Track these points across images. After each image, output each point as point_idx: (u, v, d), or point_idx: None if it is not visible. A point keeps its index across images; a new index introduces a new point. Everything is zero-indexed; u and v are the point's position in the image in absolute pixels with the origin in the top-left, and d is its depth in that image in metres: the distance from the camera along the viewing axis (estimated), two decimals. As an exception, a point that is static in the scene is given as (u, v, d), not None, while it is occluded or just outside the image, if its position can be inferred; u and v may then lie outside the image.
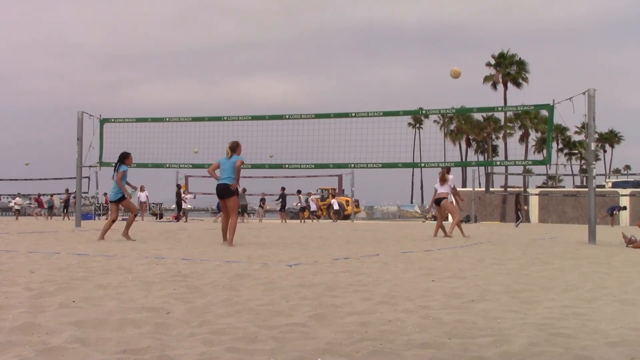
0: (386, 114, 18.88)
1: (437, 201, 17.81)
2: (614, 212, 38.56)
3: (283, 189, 40.17)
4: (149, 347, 3.47)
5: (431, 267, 8.31)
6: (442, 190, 17.72)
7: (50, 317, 4.23)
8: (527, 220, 45.28)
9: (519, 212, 36.12)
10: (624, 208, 42.26)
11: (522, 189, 58.09)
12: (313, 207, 44.82)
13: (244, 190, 39.45)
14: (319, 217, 45.29)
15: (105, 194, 44.60)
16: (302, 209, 43.97)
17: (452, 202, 18.45)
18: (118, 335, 3.76)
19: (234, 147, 12.62)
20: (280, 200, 40.20)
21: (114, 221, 14.11)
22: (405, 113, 21.75)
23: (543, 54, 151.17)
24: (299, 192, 44.69)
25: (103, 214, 43.57)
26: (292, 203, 48.90)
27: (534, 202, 51.48)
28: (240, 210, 39.87)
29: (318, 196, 48.73)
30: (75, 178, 22.27)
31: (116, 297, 5.18)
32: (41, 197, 44.75)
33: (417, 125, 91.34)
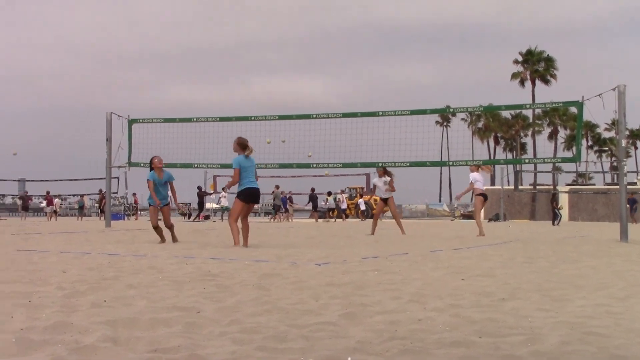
0: (413, 112, 18.82)
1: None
2: (634, 206, 37.94)
3: (313, 189, 40.27)
4: (179, 346, 3.48)
5: (460, 265, 8.27)
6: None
7: (82, 317, 4.27)
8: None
9: (556, 211, 35.85)
10: None
11: (552, 187, 57.61)
12: (344, 205, 44.88)
13: (277, 187, 39.54)
14: (347, 216, 45.27)
15: (134, 194, 44.99)
16: (330, 209, 44.01)
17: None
18: (149, 335, 3.79)
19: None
20: (311, 201, 40.31)
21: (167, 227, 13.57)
22: (433, 111, 21.66)
23: (571, 50, 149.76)
24: (329, 193, 44.79)
25: (132, 214, 43.89)
26: (320, 202, 48.94)
27: (563, 200, 50.94)
28: (274, 210, 40.08)
29: (347, 195, 48.70)
30: (104, 178, 22.46)
31: (147, 296, 5.21)
32: (51, 196, 44.75)
33: (445, 124, 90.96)
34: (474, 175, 17.78)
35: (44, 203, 46.89)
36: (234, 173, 11.71)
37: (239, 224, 11.87)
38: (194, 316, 4.38)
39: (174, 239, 13.29)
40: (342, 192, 49.38)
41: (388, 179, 18.60)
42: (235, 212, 11.94)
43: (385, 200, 18.78)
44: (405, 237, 16.32)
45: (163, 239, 13.21)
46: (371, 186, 19.13)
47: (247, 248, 11.24)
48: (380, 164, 18.69)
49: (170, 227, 13.43)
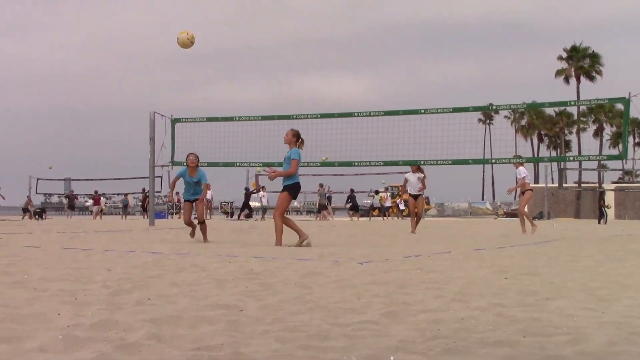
0: (456, 110, 18.74)
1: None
2: None
3: (352, 190, 40.31)
4: (223, 344, 3.51)
5: (504, 264, 8.20)
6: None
7: (126, 314, 4.32)
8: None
9: (602, 209, 35.42)
10: None
11: (598, 185, 56.81)
12: (388, 203, 44.78)
13: (322, 186, 39.60)
14: (388, 215, 45.13)
15: (177, 193, 45.39)
16: (372, 207, 43.99)
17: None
18: (192, 332, 3.82)
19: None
20: (350, 201, 40.33)
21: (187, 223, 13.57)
22: (475, 109, 21.53)
23: (618, 46, 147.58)
24: (376, 192, 44.78)
25: (175, 213, 44.28)
26: (362, 201, 48.87)
27: (609, 198, 50.21)
28: (318, 209, 40.17)
29: (389, 193, 48.56)
30: (148, 177, 22.70)
31: (190, 294, 5.25)
32: (99, 195, 45.30)
33: (487, 121, 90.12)
34: (523, 170, 17.66)
35: (90, 202, 47.57)
36: (293, 164, 11.35)
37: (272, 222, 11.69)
38: (237, 314, 4.40)
39: (205, 238, 12.93)
40: (386, 190, 49.28)
41: (421, 175, 18.44)
42: (283, 207, 11.60)
43: (415, 197, 18.54)
44: (448, 236, 16.21)
45: (194, 233, 13.40)
46: (403, 180, 18.90)
47: (290, 247, 11.07)
48: (421, 162, 18.62)
49: (202, 222, 13.06)
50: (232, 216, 44.95)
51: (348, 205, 41.65)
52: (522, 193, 17.99)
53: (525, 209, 18.44)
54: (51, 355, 3.26)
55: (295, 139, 11.53)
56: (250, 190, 39.66)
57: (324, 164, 20.18)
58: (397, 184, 53.80)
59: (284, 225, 11.56)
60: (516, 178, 18.22)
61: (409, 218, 20.19)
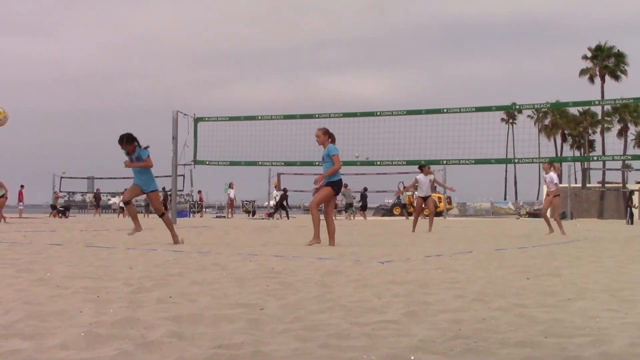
0: (478, 109, 18.67)
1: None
2: None
3: (365, 189, 40.17)
4: (243, 343, 3.52)
5: (526, 264, 8.15)
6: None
7: (148, 312, 4.34)
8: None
9: (630, 209, 35.18)
10: None
11: (622, 185, 56.36)
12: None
13: (346, 186, 39.53)
14: (410, 214, 44.96)
15: (199, 192, 45.62)
16: (394, 205, 43.85)
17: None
18: (213, 331, 3.83)
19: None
20: (361, 200, 40.19)
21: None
22: (498, 108, 21.44)
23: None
24: (404, 188, 44.55)
25: (197, 212, 44.49)
26: (384, 200, 48.69)
27: (635, 199, 49.76)
28: (346, 208, 40.16)
29: (410, 193, 48.39)
30: (170, 176, 22.80)
31: (211, 293, 5.27)
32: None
33: (510, 121, 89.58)
34: (552, 177, 17.61)
35: (112, 200, 47.89)
36: (336, 159, 11.33)
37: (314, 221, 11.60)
38: (257, 313, 4.41)
39: (173, 236, 11.57)
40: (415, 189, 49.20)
41: (432, 177, 18.38)
42: (321, 201, 11.51)
43: (425, 199, 18.41)
44: (470, 236, 16.14)
45: (138, 228, 11.95)
46: (413, 180, 18.80)
47: (332, 247, 11.00)
48: (444, 162, 18.55)
49: (161, 214, 11.84)
50: (254, 215, 45.05)
51: (359, 205, 41.61)
52: (548, 195, 17.95)
53: (548, 213, 18.35)
54: (73, 352, 3.29)
55: (327, 136, 11.56)
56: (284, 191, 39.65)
57: (345, 163, 20.16)
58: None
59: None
60: (545, 181, 18.11)
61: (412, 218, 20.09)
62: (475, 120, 18.82)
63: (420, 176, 18.30)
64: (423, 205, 18.68)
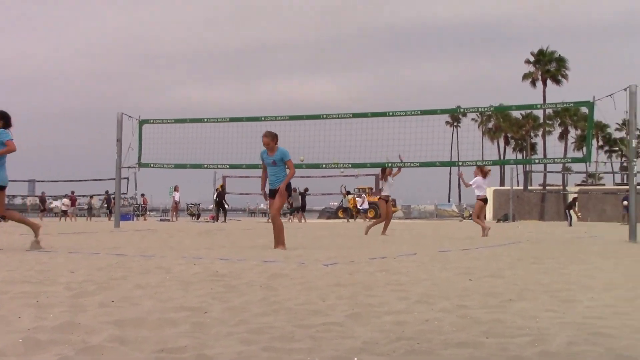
0: (424, 112, 18.80)
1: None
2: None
3: (306, 189, 39.90)
4: (186, 346, 3.49)
5: (469, 266, 8.26)
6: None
7: (89, 317, 4.28)
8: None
9: (567, 212, 36.02)
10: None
11: (562, 187, 57.48)
12: (365, 205, 44.62)
13: (295, 190, 39.25)
14: (354, 218, 45.05)
15: (142, 195, 45.10)
16: (339, 208, 43.87)
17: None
18: (156, 335, 3.80)
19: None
20: (301, 200, 39.83)
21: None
22: (443, 112, 21.69)
23: (583, 50, 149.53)
24: (348, 192, 44.60)
25: (141, 215, 44.01)
26: (329, 202, 48.78)
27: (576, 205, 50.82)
28: (291, 211, 39.90)
29: (352, 196, 48.48)
30: (114, 179, 22.51)
31: (154, 296, 5.23)
32: (75, 196, 44.91)
33: (455, 124, 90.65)
34: (478, 181, 17.89)
35: (54, 203, 47.09)
36: (291, 165, 11.30)
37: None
38: (202, 316, 4.39)
39: (35, 235, 10.52)
40: (364, 191, 49.34)
41: (391, 179, 18.57)
42: (281, 207, 11.49)
43: (387, 200, 18.62)
44: (414, 238, 16.29)
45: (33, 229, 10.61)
46: (380, 187, 18.93)
47: (278, 249, 10.90)
48: (389, 164, 18.67)
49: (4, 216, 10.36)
50: (198, 218, 44.75)
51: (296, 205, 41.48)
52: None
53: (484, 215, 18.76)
54: (11, 358, 3.23)
55: (276, 141, 11.42)
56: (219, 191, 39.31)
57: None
58: (364, 186, 54.02)
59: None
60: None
61: (374, 220, 20.16)
62: (421, 124, 18.96)
63: (390, 178, 18.46)
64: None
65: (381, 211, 18.79)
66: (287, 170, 11.31)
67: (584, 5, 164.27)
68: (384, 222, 18.64)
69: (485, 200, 18.24)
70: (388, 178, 18.41)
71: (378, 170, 19.01)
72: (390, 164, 18.55)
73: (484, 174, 18.05)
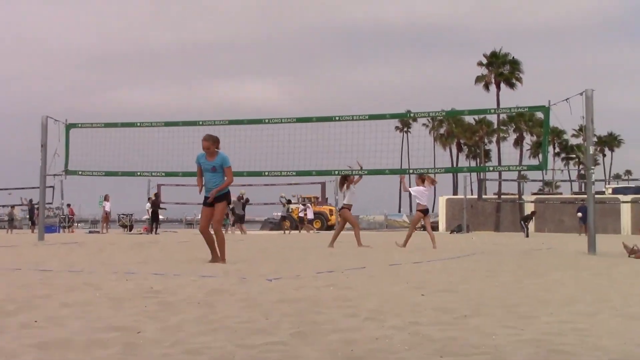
0: (372, 117, 18.92)
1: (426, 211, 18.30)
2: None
3: (244, 199, 39.32)
4: (117, 370, 3.43)
5: (421, 280, 8.31)
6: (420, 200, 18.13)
7: (10, 339, 4.18)
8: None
9: (522, 223, 36.71)
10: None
11: (518, 197, 58.33)
12: (310, 214, 44.48)
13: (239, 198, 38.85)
14: (297, 229, 44.92)
15: (69, 205, 44.37)
16: (284, 218, 43.71)
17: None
18: (84, 358, 3.73)
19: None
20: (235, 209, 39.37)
21: None
22: (393, 116, 21.86)
23: (538, 54, 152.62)
24: (289, 201, 44.43)
25: (68, 227, 43.32)
26: (273, 212, 48.62)
27: (529, 210, 51.66)
28: (235, 219, 39.59)
29: (295, 206, 48.35)
30: (38, 187, 22.10)
31: (82, 316, 5.13)
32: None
33: (405, 129, 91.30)
34: (419, 190, 18.01)
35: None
36: (229, 173, 11.25)
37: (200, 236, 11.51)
38: (134, 336, 4.32)
39: None
40: (311, 201, 49.34)
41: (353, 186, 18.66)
42: (222, 217, 11.60)
43: (349, 209, 18.75)
44: (362, 250, 16.35)
45: None
46: (345, 198, 18.93)
47: (217, 264, 10.83)
48: (335, 172, 18.73)
49: None
50: (131, 230, 44.22)
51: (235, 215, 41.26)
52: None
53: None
54: None
55: (217, 144, 11.34)
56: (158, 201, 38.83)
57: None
58: (309, 195, 54.07)
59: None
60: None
61: (336, 230, 20.08)
62: (369, 129, 19.05)
63: (353, 187, 18.51)
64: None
65: (350, 220, 18.87)
66: (225, 178, 11.25)
67: (537, 7, 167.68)
68: (353, 233, 18.64)
69: (425, 211, 18.34)
70: (350, 186, 18.44)
71: (324, 179, 19.11)
72: (352, 172, 18.59)
73: (425, 182, 18.18)
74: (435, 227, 43.40)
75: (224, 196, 11.35)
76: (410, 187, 18.94)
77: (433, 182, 18.72)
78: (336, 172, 18.75)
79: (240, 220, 38.16)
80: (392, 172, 20.40)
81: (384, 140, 19.20)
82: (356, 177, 18.63)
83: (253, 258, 12.84)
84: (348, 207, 18.66)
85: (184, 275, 8.55)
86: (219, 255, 11.19)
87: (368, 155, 18.83)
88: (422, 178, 18.18)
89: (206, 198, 11.34)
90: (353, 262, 11.65)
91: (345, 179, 18.56)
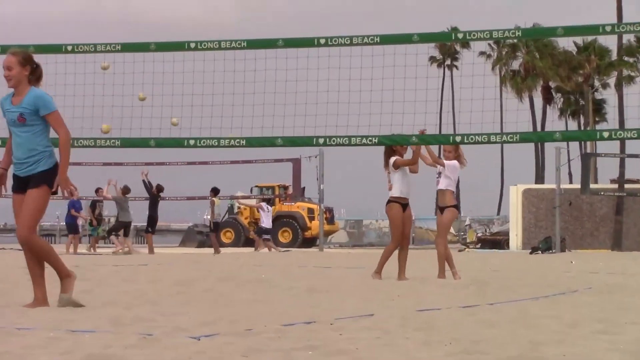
0: (385, 39, 18.79)
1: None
2: None
3: (158, 187, 39.08)
4: None
5: (474, 339, 8.27)
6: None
7: None
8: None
9: None
10: None
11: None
12: (267, 223, 43.86)
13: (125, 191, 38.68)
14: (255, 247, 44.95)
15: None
16: (216, 227, 43.30)
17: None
18: None
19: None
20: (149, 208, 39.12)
21: None
22: (425, 38, 21.56)
23: None
24: (215, 193, 43.96)
25: None
26: (203, 215, 49.16)
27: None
28: (109, 231, 39.59)
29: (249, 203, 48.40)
30: None
31: None
32: None
33: (448, 62, 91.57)
34: (454, 166, 18.06)
35: None
36: (60, 121, 10.84)
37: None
38: None
39: None
40: (274, 193, 49.51)
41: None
42: (38, 217, 11.23)
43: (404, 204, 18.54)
44: (368, 283, 16.39)
45: None
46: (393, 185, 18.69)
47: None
48: (321, 140, 18.76)
49: None
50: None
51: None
52: (441, 210, 18.47)
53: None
54: None
55: (36, 72, 10.92)
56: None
57: (125, 142, 19.83)
58: (271, 184, 54.13)
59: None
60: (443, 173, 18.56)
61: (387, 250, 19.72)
62: (381, 62, 18.97)
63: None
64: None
65: (394, 229, 18.32)
66: (55, 134, 10.87)
67: None
68: (399, 253, 18.31)
69: (458, 208, 18.51)
70: (397, 162, 17.99)
71: (296, 151, 19.05)
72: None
73: (461, 157, 18.29)
74: (501, 241, 43.61)
75: (45, 174, 10.90)
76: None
77: (464, 161, 18.71)
78: (321, 141, 18.72)
79: (128, 228, 38.11)
80: (422, 140, 19.98)
81: (408, 82, 19.11)
82: (414, 149, 18.18)
83: (164, 297, 12.83)
84: (397, 200, 18.07)
85: (37, 329, 8.50)
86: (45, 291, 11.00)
87: (378, 110, 18.74)
88: (455, 149, 18.20)
89: (18, 179, 10.94)
90: (351, 304, 11.68)
91: (392, 152, 18.11)
